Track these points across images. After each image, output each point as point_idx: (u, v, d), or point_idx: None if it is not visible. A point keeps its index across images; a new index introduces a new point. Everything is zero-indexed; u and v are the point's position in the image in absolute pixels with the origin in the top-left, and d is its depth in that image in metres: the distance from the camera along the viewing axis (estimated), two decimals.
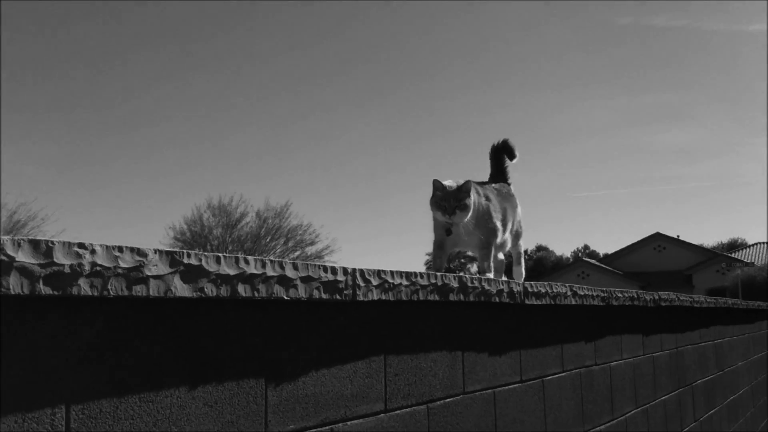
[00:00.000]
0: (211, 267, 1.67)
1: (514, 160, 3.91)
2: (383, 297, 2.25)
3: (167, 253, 1.57)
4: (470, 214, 3.24)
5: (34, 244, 1.32)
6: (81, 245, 1.40)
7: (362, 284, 2.15)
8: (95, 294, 1.42)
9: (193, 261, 1.63)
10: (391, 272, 2.31)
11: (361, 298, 2.14)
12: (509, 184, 3.89)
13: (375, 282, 2.21)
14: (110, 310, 1.50)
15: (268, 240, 23.14)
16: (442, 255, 3.41)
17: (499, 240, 3.48)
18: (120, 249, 1.48)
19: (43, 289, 1.33)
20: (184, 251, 1.62)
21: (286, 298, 1.87)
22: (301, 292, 1.93)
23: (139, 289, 1.50)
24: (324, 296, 2.01)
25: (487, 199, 3.44)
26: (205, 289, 1.65)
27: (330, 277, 2.03)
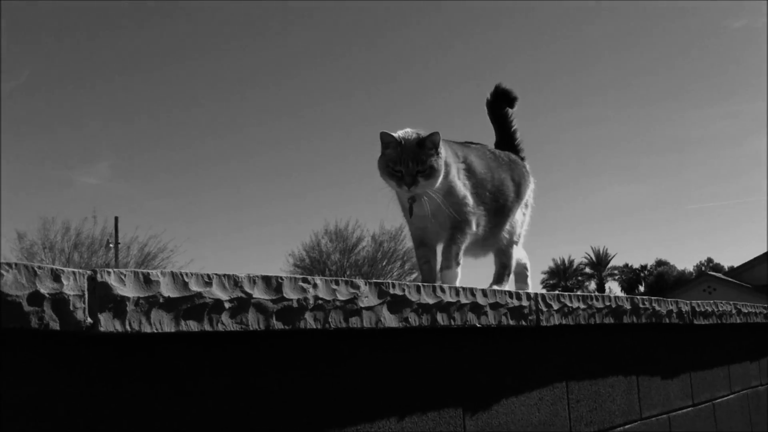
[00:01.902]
0: (413, 296, 1.69)
1: (516, 106, 2.90)
2: (563, 321, 2.22)
3: (375, 284, 1.61)
4: (439, 179, 2.28)
5: (266, 281, 1.38)
6: (305, 280, 1.45)
7: (544, 309, 2.14)
8: (318, 327, 1.46)
9: (398, 291, 1.66)
10: (569, 296, 2.28)
11: (543, 323, 2.12)
12: (521, 155, 2.84)
13: (555, 306, 2.18)
14: (329, 343, 1.54)
15: (384, 263, 23.36)
16: (429, 254, 2.43)
17: (474, 223, 2.39)
18: (336, 282, 1.52)
19: (276, 324, 1.38)
20: (389, 282, 1.65)
21: (478, 325, 1.88)
22: (491, 318, 1.93)
23: (354, 321, 1.54)
24: (511, 322, 2.00)
25: (465, 162, 2.46)
26: (409, 319, 1.67)
27: (515, 302, 2.02)
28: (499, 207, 2.54)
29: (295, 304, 1.41)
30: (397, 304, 1.65)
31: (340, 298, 1.51)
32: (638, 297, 2.69)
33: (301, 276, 1.45)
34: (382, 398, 1.65)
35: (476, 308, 1.87)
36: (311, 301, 1.45)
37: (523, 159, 2.83)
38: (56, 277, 1.07)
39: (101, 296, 1.12)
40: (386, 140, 2.30)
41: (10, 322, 1.02)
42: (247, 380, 1.39)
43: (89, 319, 1.10)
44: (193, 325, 1.24)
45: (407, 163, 2.24)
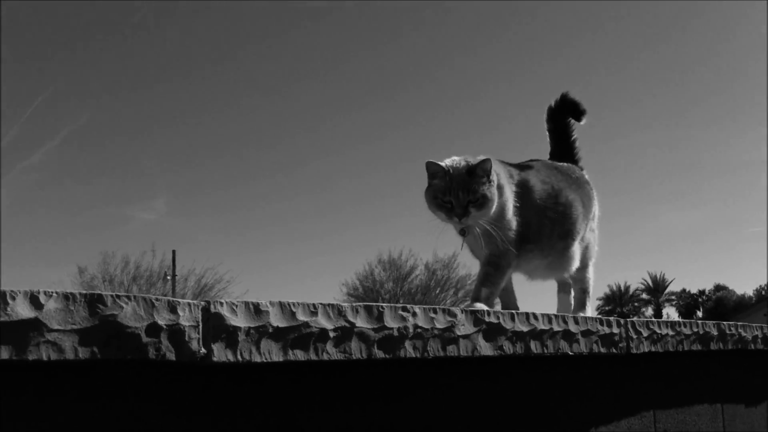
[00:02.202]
0: (507, 324, 1.66)
1: (583, 121, 2.68)
2: (652, 349, 2.16)
3: (471, 312, 1.59)
4: (493, 208, 2.13)
5: (368, 310, 1.37)
6: (404, 308, 1.44)
7: (634, 336, 2.08)
8: (417, 356, 1.44)
9: (493, 319, 1.63)
10: (658, 323, 2.22)
11: (633, 350, 2.07)
12: (580, 166, 2.67)
13: (645, 333, 2.13)
14: (426, 372, 1.52)
15: (437, 292, 23.24)
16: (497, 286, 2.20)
17: (511, 256, 2.21)
18: (434, 310, 1.50)
19: (377, 353, 1.37)
20: (485, 310, 1.63)
21: (570, 353, 1.83)
22: (582, 346, 1.88)
23: (451, 350, 1.52)
24: (602, 350, 1.95)
25: (521, 186, 2.30)
26: (504, 347, 1.64)
27: (606, 329, 1.98)
28: (565, 231, 2.37)
29: (395, 333, 1.40)
30: (492, 332, 1.62)
31: (438, 326, 1.49)
32: (724, 323, 2.61)
33: (401, 305, 1.44)
34: (477, 426, 1.62)
35: (568, 336, 1.83)
36: (411, 330, 1.43)
37: (581, 169, 2.67)
38: (173, 308, 1.08)
39: (215, 326, 1.12)
40: (433, 170, 2.16)
41: (129, 353, 1.02)
42: (350, 408, 1.37)
43: (203, 349, 1.10)
44: (300, 354, 1.23)
45: (457, 193, 2.10)
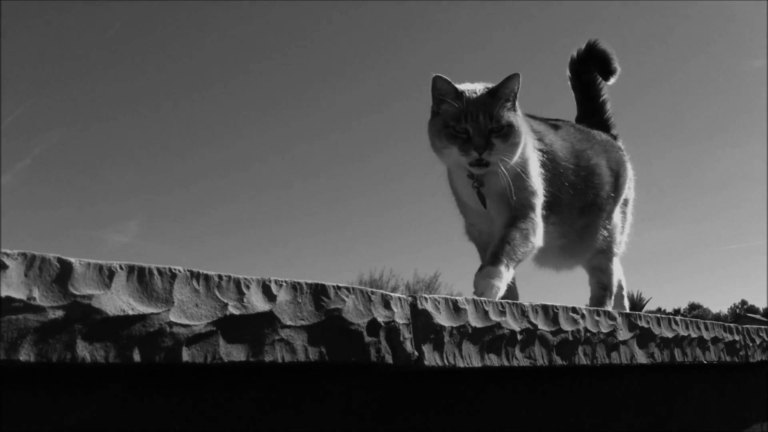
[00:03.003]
0: (656, 329, 1.55)
1: (611, 80, 2.15)
2: (763, 358, 2.05)
3: (626, 315, 1.47)
4: (520, 147, 1.64)
5: (545, 310, 1.24)
6: (574, 310, 1.31)
7: (750, 344, 1.97)
8: (587, 362, 1.32)
9: (644, 324, 1.51)
10: (767, 330, 2.12)
11: (751, 359, 1.96)
12: (612, 134, 2.16)
13: (758, 341, 2.02)
14: (594, 380, 1.40)
15: None
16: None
17: (539, 227, 1.68)
18: (597, 313, 1.38)
19: (556, 359, 1.24)
20: (636, 313, 1.51)
21: (704, 362, 1.72)
22: (713, 354, 1.77)
23: (614, 356, 1.39)
24: (727, 358, 1.84)
25: (542, 141, 1.79)
26: (655, 354, 1.52)
27: (729, 337, 1.87)
28: (587, 203, 1.86)
29: (570, 337, 1.28)
30: (644, 337, 1.50)
31: (603, 330, 1.37)
32: None
33: (570, 306, 1.32)
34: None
35: (702, 343, 1.72)
36: (582, 334, 1.31)
37: (615, 138, 2.16)
38: (386, 303, 0.95)
39: (423, 325, 0.99)
40: (442, 89, 1.64)
41: (353, 355, 0.89)
42: (534, 417, 1.25)
43: (415, 352, 0.97)
44: (494, 359, 1.10)
45: (477, 118, 1.59)
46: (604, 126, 2.15)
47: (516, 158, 1.62)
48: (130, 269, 0.69)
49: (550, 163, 1.77)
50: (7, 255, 0.60)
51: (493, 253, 1.54)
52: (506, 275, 1.50)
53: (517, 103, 1.67)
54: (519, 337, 1.16)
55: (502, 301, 1.16)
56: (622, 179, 2.01)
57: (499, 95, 1.64)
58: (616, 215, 2.01)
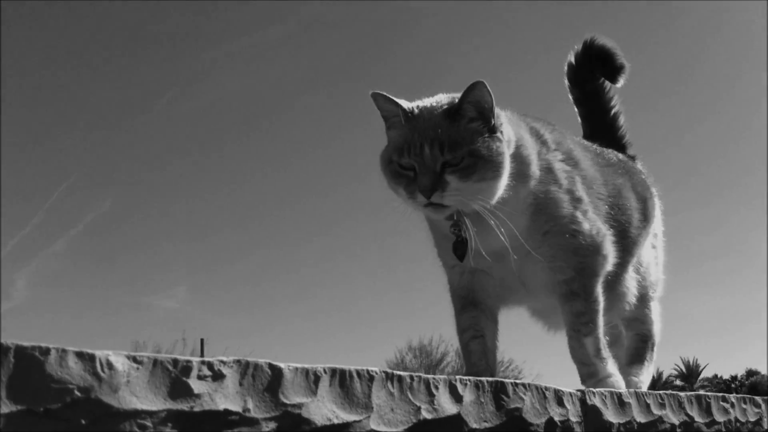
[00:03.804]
0: None
1: (620, 82, 1.79)
2: None
3: (765, 400, 1.38)
4: (500, 180, 1.29)
5: (698, 400, 1.17)
6: (724, 398, 1.23)
7: None
8: None
9: None
10: None
11: None
12: (629, 155, 1.81)
13: None
14: None
15: None
16: (482, 322, 1.40)
17: (608, 267, 1.38)
18: (744, 401, 1.30)
19: None
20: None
21: None
22: None
23: None
24: None
25: (566, 153, 1.45)
26: None
27: None
28: (618, 233, 1.49)
29: (723, 428, 1.19)
30: None
31: (750, 419, 1.28)
32: None
33: (720, 395, 1.23)
34: None
35: None
36: (733, 424, 1.22)
37: (634, 159, 1.81)
38: (559, 400, 0.89)
39: (593, 422, 0.92)
40: (384, 110, 1.33)
41: None
42: None
43: None
44: None
45: (422, 149, 1.23)
46: (618, 145, 1.81)
47: (498, 194, 1.26)
48: (333, 372, 0.64)
49: (585, 186, 1.42)
50: (224, 363, 0.56)
51: (577, 344, 1.29)
52: (611, 362, 1.27)
53: (496, 118, 1.30)
54: (678, 430, 1.08)
55: (660, 392, 1.09)
56: (650, 204, 1.70)
57: (462, 113, 1.26)
58: (647, 250, 1.68)
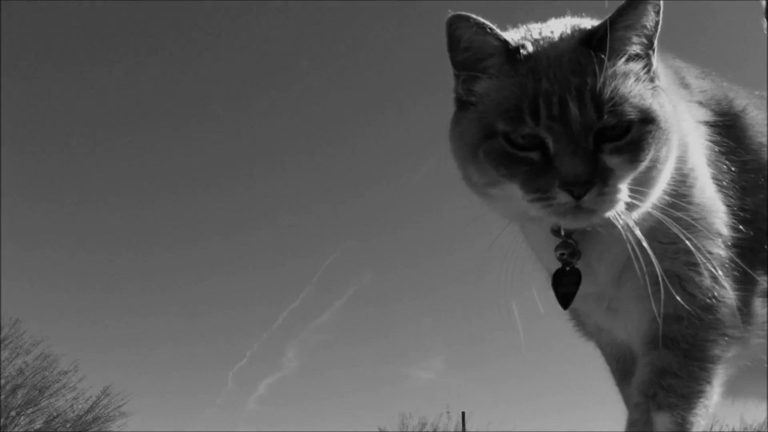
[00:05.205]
0: None
1: None
2: None
3: None
4: (666, 166, 0.86)
5: None
6: None
7: None
8: None
9: None
10: None
11: None
12: None
13: None
14: None
15: None
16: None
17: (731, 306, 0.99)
18: None
19: None
20: None
21: None
22: None
23: None
24: None
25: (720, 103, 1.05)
26: None
27: None
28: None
29: None
30: None
31: None
32: None
33: None
34: None
35: None
36: None
37: None
38: None
39: None
40: (473, 47, 0.88)
41: None
42: None
43: None
44: None
45: (563, 106, 0.79)
46: None
47: (659, 186, 0.83)
48: None
49: (752, 162, 0.94)
50: None
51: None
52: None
53: (655, 56, 0.84)
54: None
55: None
56: None
57: (617, 45, 0.81)
58: None
